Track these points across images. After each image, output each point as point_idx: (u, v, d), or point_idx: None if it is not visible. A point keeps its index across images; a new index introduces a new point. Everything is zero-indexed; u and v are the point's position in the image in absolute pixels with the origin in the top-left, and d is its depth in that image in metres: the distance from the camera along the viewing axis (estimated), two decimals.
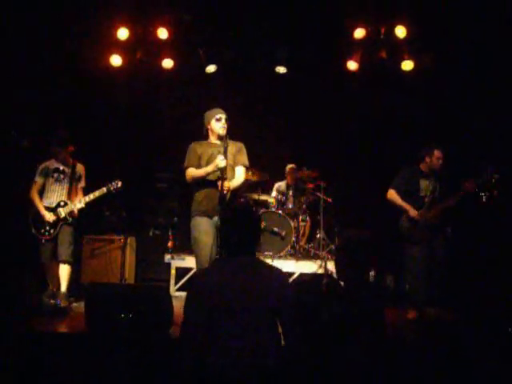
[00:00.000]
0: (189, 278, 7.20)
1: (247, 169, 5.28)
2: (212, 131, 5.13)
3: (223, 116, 5.07)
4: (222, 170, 4.76)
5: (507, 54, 6.83)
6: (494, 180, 5.46)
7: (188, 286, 3.04)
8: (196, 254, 4.97)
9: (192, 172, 5.05)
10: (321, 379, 3.06)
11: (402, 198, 5.92)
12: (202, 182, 5.00)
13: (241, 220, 2.99)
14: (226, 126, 5.04)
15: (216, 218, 4.90)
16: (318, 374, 3.06)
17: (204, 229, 4.95)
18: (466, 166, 6.47)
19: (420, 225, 5.78)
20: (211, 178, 4.94)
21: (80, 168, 6.24)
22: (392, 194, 5.98)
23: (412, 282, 5.88)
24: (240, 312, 2.77)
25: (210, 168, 4.88)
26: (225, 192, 4.72)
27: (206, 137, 5.20)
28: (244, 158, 5.17)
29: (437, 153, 5.86)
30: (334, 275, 6.59)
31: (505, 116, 7.08)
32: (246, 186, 7.88)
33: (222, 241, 3.14)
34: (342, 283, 3.39)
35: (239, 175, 5.12)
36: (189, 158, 5.14)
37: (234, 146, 5.10)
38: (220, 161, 4.74)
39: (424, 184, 5.91)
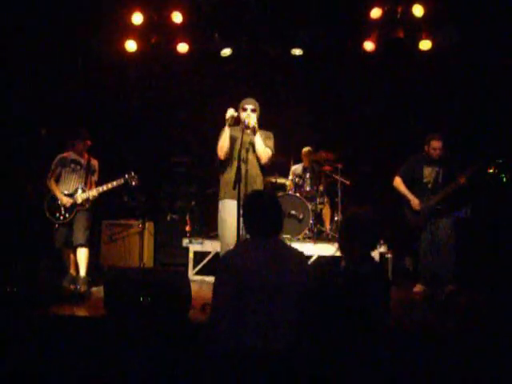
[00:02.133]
0: (210, 261, 7.22)
1: (273, 156, 5.32)
2: (240, 119, 5.21)
3: (249, 107, 5.18)
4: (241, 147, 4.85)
5: None
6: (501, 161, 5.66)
7: (217, 266, 3.13)
8: (221, 235, 5.13)
9: (218, 146, 5.14)
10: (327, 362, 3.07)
11: (408, 185, 6.26)
12: (230, 164, 5.12)
13: (265, 205, 3.20)
14: (250, 115, 5.12)
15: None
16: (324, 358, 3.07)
17: (231, 211, 5.00)
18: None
19: (422, 213, 6.13)
20: (234, 160, 5.02)
21: (94, 162, 6.45)
22: (398, 182, 6.34)
23: (420, 261, 6.31)
24: (267, 290, 2.91)
25: (226, 128, 5.07)
26: (248, 125, 4.98)
27: (239, 122, 5.21)
28: (271, 144, 5.27)
29: (433, 143, 6.08)
30: None
31: None
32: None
33: (246, 224, 3.25)
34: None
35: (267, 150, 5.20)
36: (220, 136, 5.21)
37: (263, 134, 5.23)
38: (229, 110, 5.00)
39: (427, 171, 6.20)
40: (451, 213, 6.16)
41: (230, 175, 5.10)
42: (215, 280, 3.05)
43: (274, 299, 2.93)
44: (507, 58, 6.98)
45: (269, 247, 3.08)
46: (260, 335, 2.87)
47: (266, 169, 5.35)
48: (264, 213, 3.16)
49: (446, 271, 5.98)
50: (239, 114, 5.18)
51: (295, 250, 3.24)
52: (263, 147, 5.12)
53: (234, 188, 4.81)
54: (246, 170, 4.85)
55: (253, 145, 5.09)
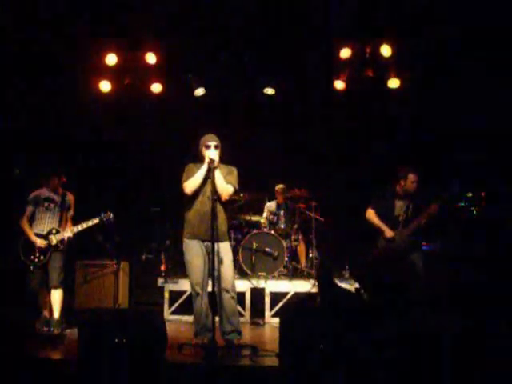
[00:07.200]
0: (186, 300, 7.12)
1: (236, 192, 5.36)
2: (203, 156, 5.17)
3: (212, 144, 5.14)
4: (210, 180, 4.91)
5: (492, 67, 6.94)
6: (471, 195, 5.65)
7: None
8: (189, 276, 5.12)
9: (189, 181, 5.11)
10: None
11: (379, 217, 6.20)
12: (193, 201, 5.13)
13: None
14: (214, 152, 5.10)
15: (207, 243, 5.01)
16: None
17: (196, 251, 5.05)
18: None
19: (396, 244, 6.02)
20: (201, 197, 5.08)
21: (70, 197, 6.34)
22: (371, 214, 6.28)
23: None
24: None
25: (202, 167, 5.06)
26: (211, 163, 4.95)
27: (202, 160, 5.20)
28: (233, 180, 5.24)
29: (411, 177, 6.05)
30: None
31: (492, 130, 7.16)
32: (235, 207, 7.96)
33: None
34: None
35: (227, 186, 5.16)
36: (187, 173, 5.20)
37: (225, 169, 5.25)
38: (210, 152, 5.01)
39: (399, 204, 6.16)
40: (422, 246, 6.18)
41: (193, 214, 5.13)
42: None
43: None
44: (473, 93, 7.20)
45: None
46: None
47: (227, 204, 5.38)
48: None
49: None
50: (202, 151, 5.18)
51: None
52: (223, 184, 5.11)
53: (200, 227, 4.92)
54: (208, 207, 4.89)
55: (212, 181, 4.99)
